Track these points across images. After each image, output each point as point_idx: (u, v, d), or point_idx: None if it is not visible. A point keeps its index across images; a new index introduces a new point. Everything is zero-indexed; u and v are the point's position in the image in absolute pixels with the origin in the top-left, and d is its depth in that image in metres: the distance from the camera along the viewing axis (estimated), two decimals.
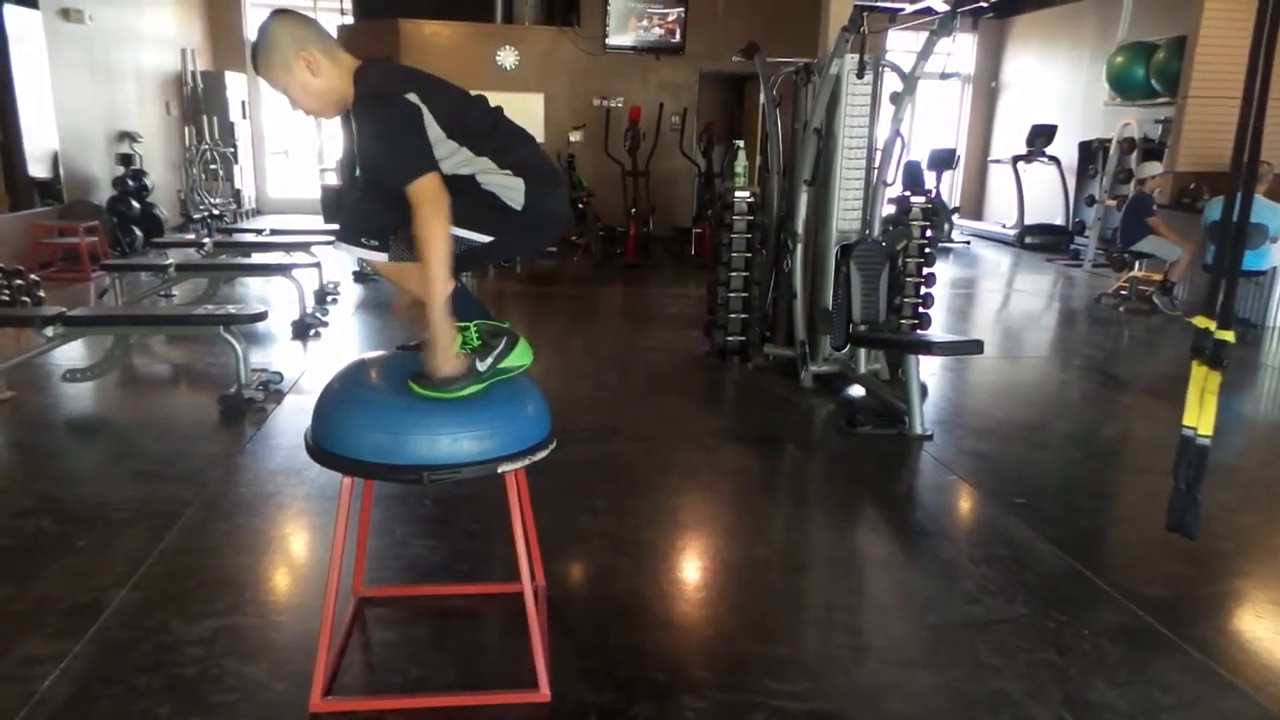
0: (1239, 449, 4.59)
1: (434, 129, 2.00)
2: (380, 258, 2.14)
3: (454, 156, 2.05)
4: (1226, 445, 4.61)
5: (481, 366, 2.10)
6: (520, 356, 2.18)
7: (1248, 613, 2.83)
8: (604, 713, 2.16)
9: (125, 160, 9.18)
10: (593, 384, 5.25)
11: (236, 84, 12.00)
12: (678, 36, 10.99)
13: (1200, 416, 2.47)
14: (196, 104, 11.20)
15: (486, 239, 2.13)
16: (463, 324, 2.13)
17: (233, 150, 11.54)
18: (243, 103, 12.22)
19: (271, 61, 2.00)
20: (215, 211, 10.24)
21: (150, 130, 10.11)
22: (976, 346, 4.45)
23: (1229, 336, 2.46)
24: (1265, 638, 2.62)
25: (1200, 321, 2.51)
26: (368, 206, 2.19)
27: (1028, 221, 11.67)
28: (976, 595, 2.79)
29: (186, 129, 10.85)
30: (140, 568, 2.75)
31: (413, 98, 1.97)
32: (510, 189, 2.10)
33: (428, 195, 1.92)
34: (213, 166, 10.95)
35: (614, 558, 3.01)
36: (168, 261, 6.08)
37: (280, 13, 2.04)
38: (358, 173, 2.31)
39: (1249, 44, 2.37)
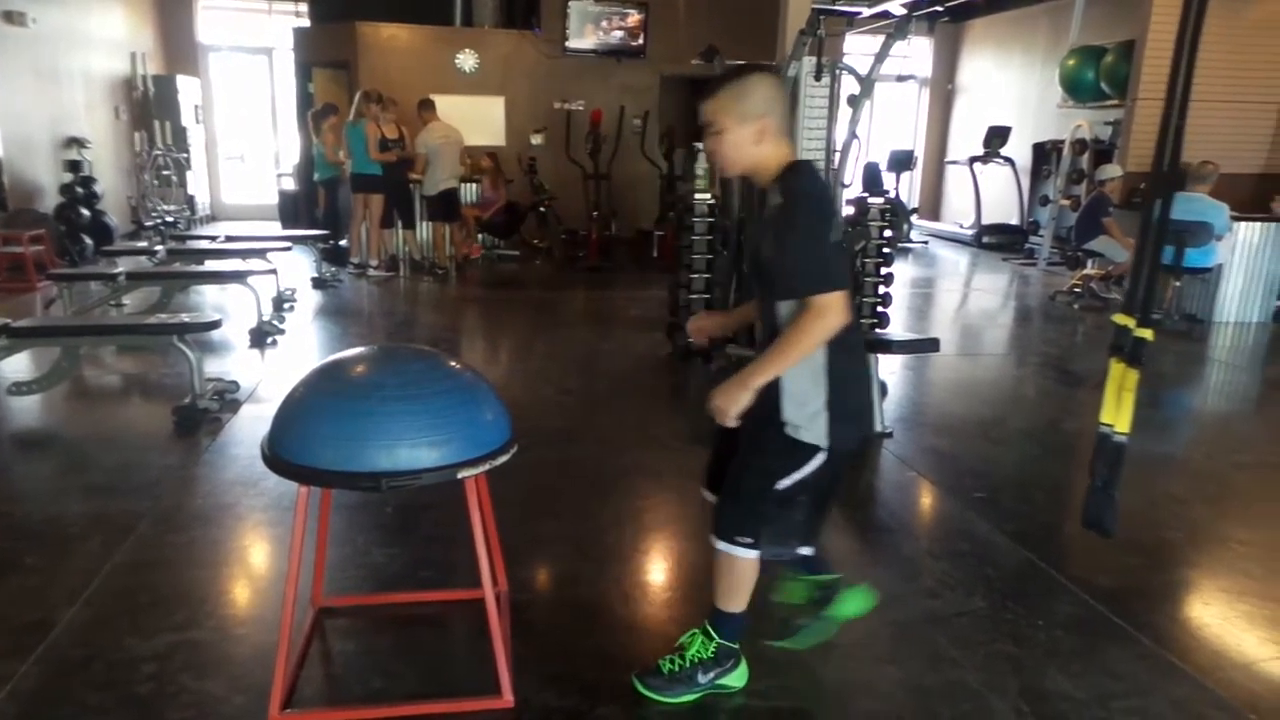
0: (1187, 441, 4.72)
1: None
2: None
3: None
4: (1175, 437, 4.73)
5: (703, 679, 2.21)
6: (739, 678, 2.26)
7: (1196, 600, 2.90)
8: (568, 716, 2.15)
9: (73, 167, 8.97)
10: (555, 388, 5.23)
11: (189, 88, 11.78)
12: (638, 40, 11.02)
13: (1118, 414, 2.51)
14: (148, 108, 10.98)
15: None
16: (706, 639, 2.21)
17: (186, 156, 11.32)
18: (196, 107, 11.99)
19: (731, 105, 2.02)
20: (168, 218, 10.03)
21: (99, 136, 9.88)
22: (933, 345, 4.52)
23: (1148, 334, 2.50)
24: (1213, 624, 2.69)
25: (1119, 319, 2.55)
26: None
27: (984, 221, 11.86)
28: (937, 590, 2.82)
29: (137, 134, 10.62)
30: (91, 584, 2.68)
31: (833, 225, 2.00)
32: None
33: (829, 311, 1.90)
34: (165, 172, 10.74)
35: (578, 561, 3.00)
36: (118, 270, 5.93)
37: (769, 72, 2.10)
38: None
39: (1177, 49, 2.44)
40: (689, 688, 2.21)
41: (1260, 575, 3.00)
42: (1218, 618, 2.73)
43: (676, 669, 2.22)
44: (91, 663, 2.29)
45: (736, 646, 2.24)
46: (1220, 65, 8.12)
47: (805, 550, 2.26)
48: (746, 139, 2.01)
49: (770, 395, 2.02)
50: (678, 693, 2.20)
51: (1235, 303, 7.36)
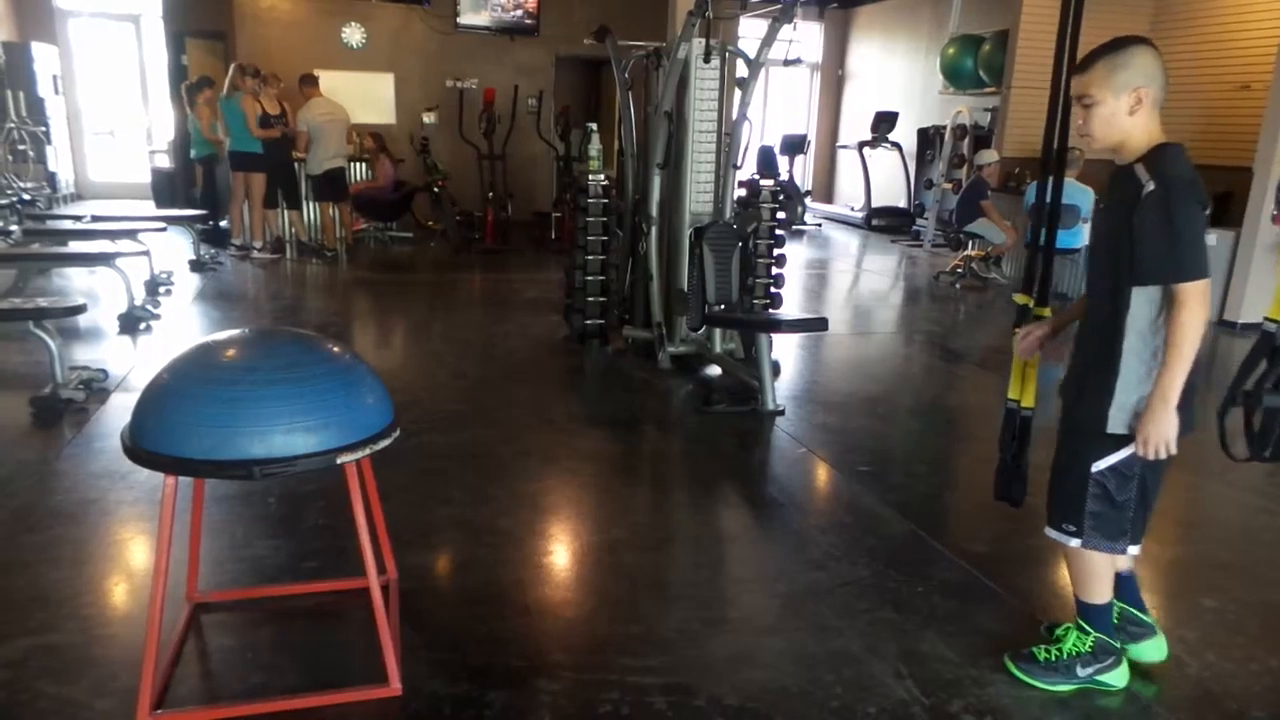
0: (1054, 412, 4.99)
1: None
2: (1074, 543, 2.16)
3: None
4: (1044, 409, 5.00)
5: (1081, 672, 2.21)
6: (1120, 678, 2.24)
7: (1059, 561, 3.07)
8: (458, 703, 2.12)
9: None
10: (450, 372, 5.13)
11: (46, 56, 10.93)
12: (532, 18, 10.85)
13: (1023, 390, 2.64)
14: None
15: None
16: (1081, 633, 2.21)
17: (44, 129, 10.53)
18: (54, 77, 11.15)
19: (1110, 76, 1.96)
20: (25, 196, 9.33)
21: None
22: (822, 324, 4.64)
23: (1045, 313, 2.64)
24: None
25: (1020, 299, 2.68)
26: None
27: (874, 205, 12.24)
28: (823, 561, 2.91)
29: None
30: None
31: (1203, 216, 1.96)
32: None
33: (1197, 298, 1.90)
34: (21, 147, 9.96)
35: (471, 547, 2.96)
36: None
37: (1149, 43, 1.99)
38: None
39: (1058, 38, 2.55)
40: (1066, 678, 2.22)
41: None
42: None
43: (1053, 659, 2.24)
44: None
45: (1117, 645, 2.24)
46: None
47: (1134, 549, 2.18)
48: (1121, 110, 1.97)
49: (1099, 378, 2.07)
50: (1054, 681, 2.22)
51: None
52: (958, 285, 8.34)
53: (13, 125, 9.85)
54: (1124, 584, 2.33)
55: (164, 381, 1.98)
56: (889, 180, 12.28)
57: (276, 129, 8.04)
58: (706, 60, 4.86)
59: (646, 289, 5.31)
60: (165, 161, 10.73)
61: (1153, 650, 2.34)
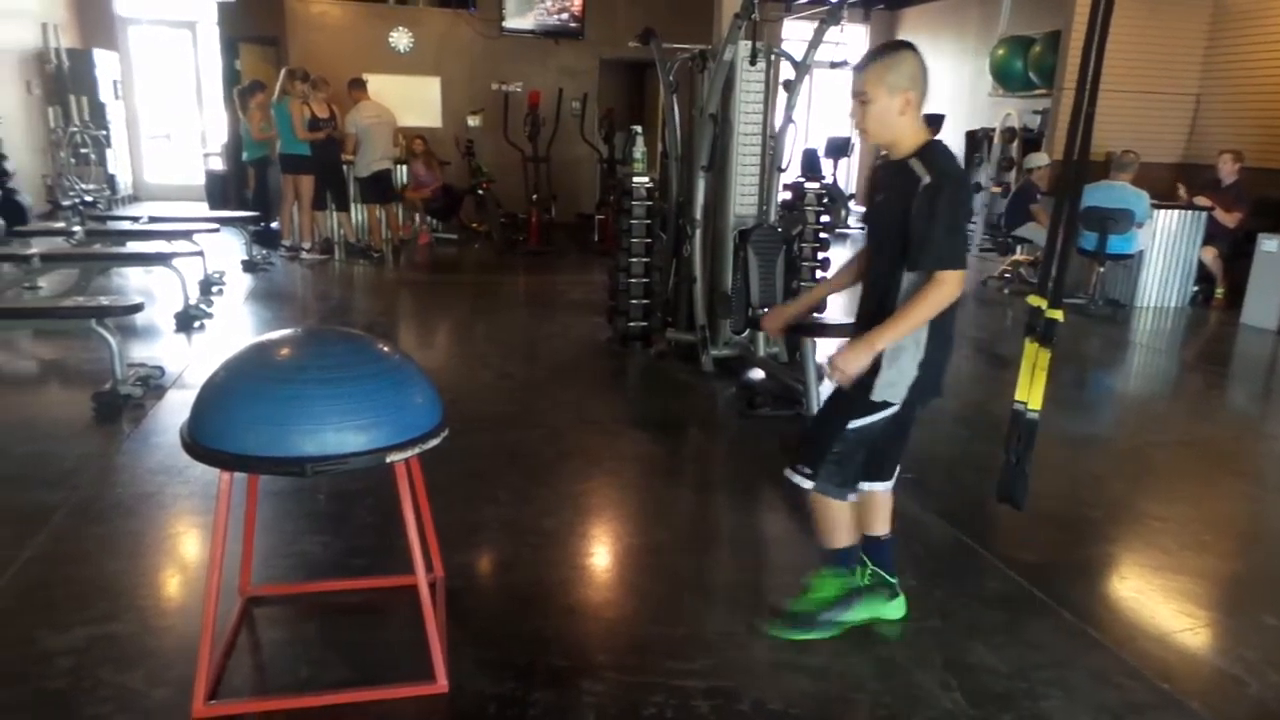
0: (1108, 421, 4.89)
1: None
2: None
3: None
4: (1097, 418, 4.91)
5: (844, 616, 2.39)
6: (895, 610, 2.48)
7: (1113, 574, 3.02)
8: (503, 701, 2.14)
9: None
10: (494, 372, 5.18)
11: (107, 62, 11.27)
12: (577, 21, 10.91)
13: (1031, 392, 2.61)
14: (62, 83, 10.48)
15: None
16: (824, 581, 2.39)
17: (105, 133, 10.85)
18: (115, 83, 11.49)
19: (883, 76, 2.12)
20: (87, 198, 9.62)
21: (10, 111, 9.41)
22: None
23: (1058, 315, 2.60)
24: (1129, 597, 2.80)
25: (1033, 300, 2.64)
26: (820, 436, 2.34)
27: None
28: None
29: (51, 110, 10.14)
30: (1, 578, 2.57)
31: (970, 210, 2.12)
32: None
33: (951, 285, 2.07)
34: (83, 150, 10.28)
35: (516, 546, 2.98)
36: (31, 251, 5.67)
37: (915, 50, 2.17)
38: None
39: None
40: (831, 622, 2.36)
41: (1174, 550, 3.13)
42: (1134, 591, 2.84)
43: (811, 609, 2.38)
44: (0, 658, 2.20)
45: (855, 579, 2.40)
46: (1141, 58, 8.40)
47: (853, 497, 2.36)
48: (893, 110, 2.12)
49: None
50: (821, 626, 2.36)
51: (1155, 288, 7.64)
52: (1006, 290, 8.20)
53: (75, 129, 10.16)
54: (881, 548, 2.48)
55: (220, 380, 2.03)
56: None
57: (323, 131, 8.19)
58: (752, 63, 4.84)
59: (690, 291, 5.30)
60: (219, 164, 10.99)
61: (894, 609, 2.50)
